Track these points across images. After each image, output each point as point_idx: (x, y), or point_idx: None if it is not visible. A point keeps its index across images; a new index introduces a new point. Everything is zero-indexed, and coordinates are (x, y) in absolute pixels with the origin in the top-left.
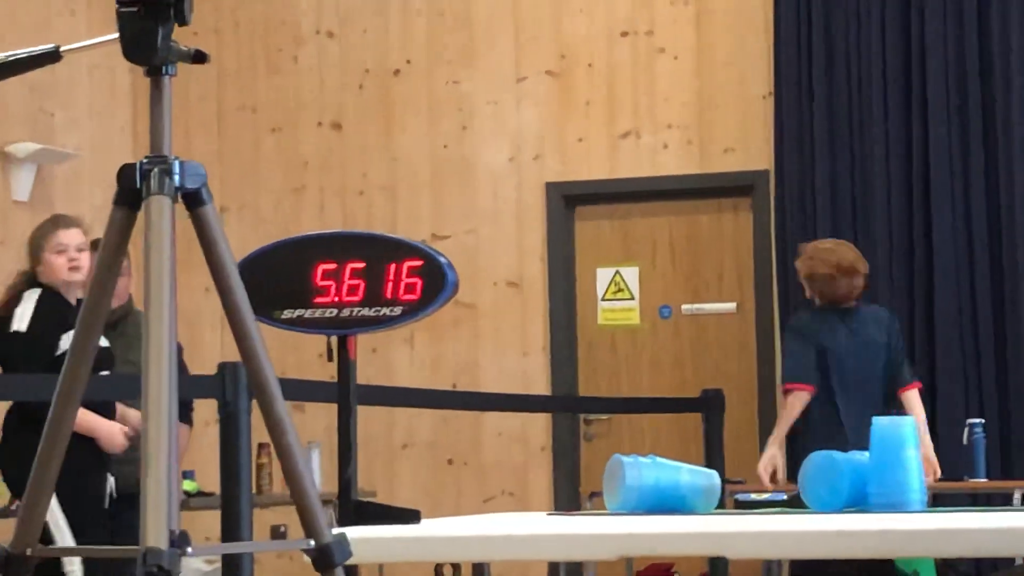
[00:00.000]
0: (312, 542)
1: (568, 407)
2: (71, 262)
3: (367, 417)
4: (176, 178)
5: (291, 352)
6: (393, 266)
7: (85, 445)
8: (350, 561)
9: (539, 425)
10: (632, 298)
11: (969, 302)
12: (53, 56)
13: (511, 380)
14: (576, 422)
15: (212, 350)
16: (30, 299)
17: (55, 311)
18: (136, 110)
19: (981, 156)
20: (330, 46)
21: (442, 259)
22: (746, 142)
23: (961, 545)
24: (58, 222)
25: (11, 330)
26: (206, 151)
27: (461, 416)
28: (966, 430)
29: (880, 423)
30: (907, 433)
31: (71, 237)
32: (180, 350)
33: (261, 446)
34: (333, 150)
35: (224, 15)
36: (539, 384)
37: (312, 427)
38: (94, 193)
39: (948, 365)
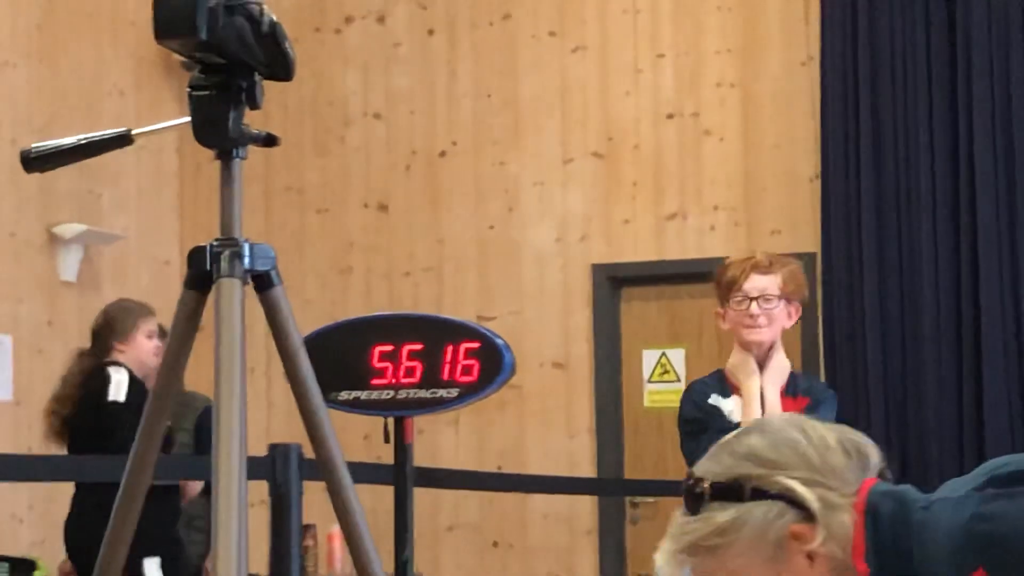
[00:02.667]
0: None
1: (615, 490)
2: (156, 348)
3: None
4: (246, 260)
5: (337, 433)
6: (450, 348)
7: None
8: None
9: (585, 507)
10: (678, 380)
11: (1017, 383)
12: (125, 140)
13: (556, 462)
14: (623, 504)
15: (257, 431)
16: (121, 373)
17: (141, 390)
18: (183, 192)
19: None
20: (377, 127)
21: (499, 340)
22: (793, 224)
23: None
24: (149, 309)
25: (108, 399)
26: (252, 232)
27: (506, 498)
28: None
29: None
30: None
31: (155, 325)
32: None
33: (306, 527)
34: (379, 231)
35: (272, 96)
36: (585, 466)
37: None
38: (140, 274)
39: (999, 448)
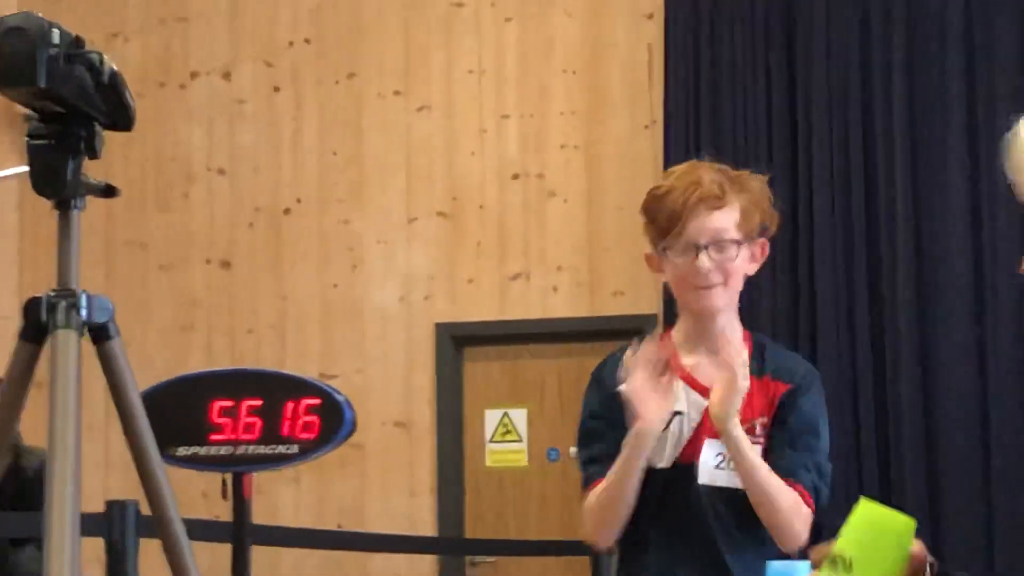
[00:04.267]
0: None
1: (455, 549)
2: None
3: (252, 557)
4: (83, 312)
5: (176, 490)
6: (291, 404)
7: None
8: None
9: (426, 567)
10: (520, 440)
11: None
12: None
13: (397, 521)
14: (463, 564)
15: (96, 488)
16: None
17: None
18: (22, 244)
19: (865, 298)
20: (221, 183)
21: (340, 397)
22: (635, 285)
23: None
24: None
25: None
26: (94, 286)
27: (347, 557)
28: None
29: (774, 566)
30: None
31: None
32: None
33: None
34: (222, 288)
35: (114, 150)
36: (426, 525)
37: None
38: None
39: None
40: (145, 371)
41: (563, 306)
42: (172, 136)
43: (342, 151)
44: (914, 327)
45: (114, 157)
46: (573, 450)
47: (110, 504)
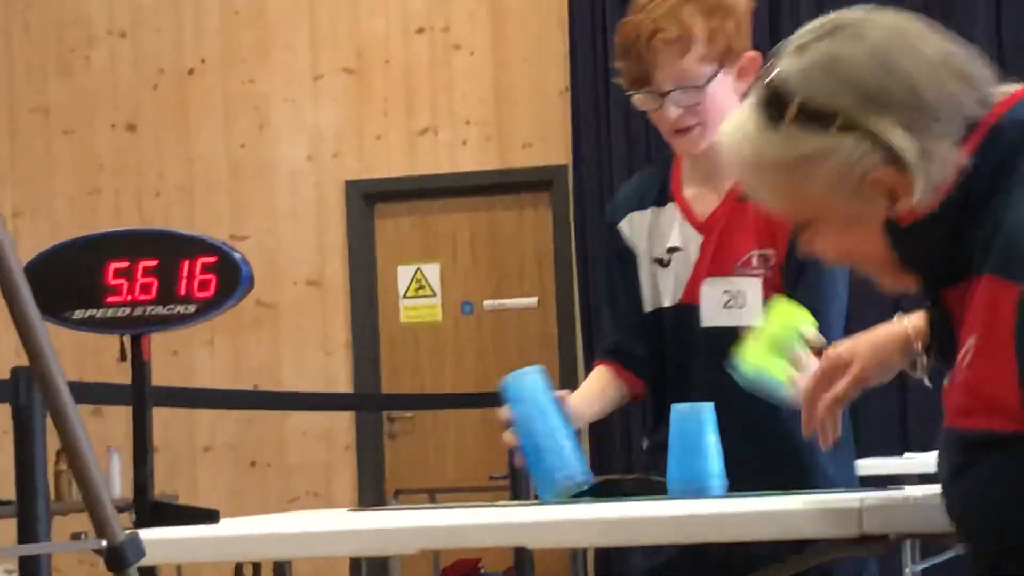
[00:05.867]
0: (104, 542)
1: (372, 405)
2: None
3: (168, 420)
4: None
5: (90, 356)
6: (187, 263)
7: None
8: (146, 562)
9: (343, 424)
10: (434, 295)
11: None
12: None
13: (313, 380)
14: (380, 420)
15: (5, 355)
16: None
17: None
18: None
19: None
20: (123, 46)
21: (236, 254)
22: (544, 137)
23: (761, 529)
24: None
25: None
26: None
27: (264, 417)
28: None
29: (678, 409)
30: (706, 418)
31: None
32: None
33: (59, 452)
34: (128, 151)
35: (14, 15)
36: (342, 383)
37: (112, 432)
38: None
39: None
40: (54, 237)
41: (472, 159)
42: (71, 0)
43: (244, 9)
44: None
45: (14, 25)
46: (488, 303)
47: (15, 370)
